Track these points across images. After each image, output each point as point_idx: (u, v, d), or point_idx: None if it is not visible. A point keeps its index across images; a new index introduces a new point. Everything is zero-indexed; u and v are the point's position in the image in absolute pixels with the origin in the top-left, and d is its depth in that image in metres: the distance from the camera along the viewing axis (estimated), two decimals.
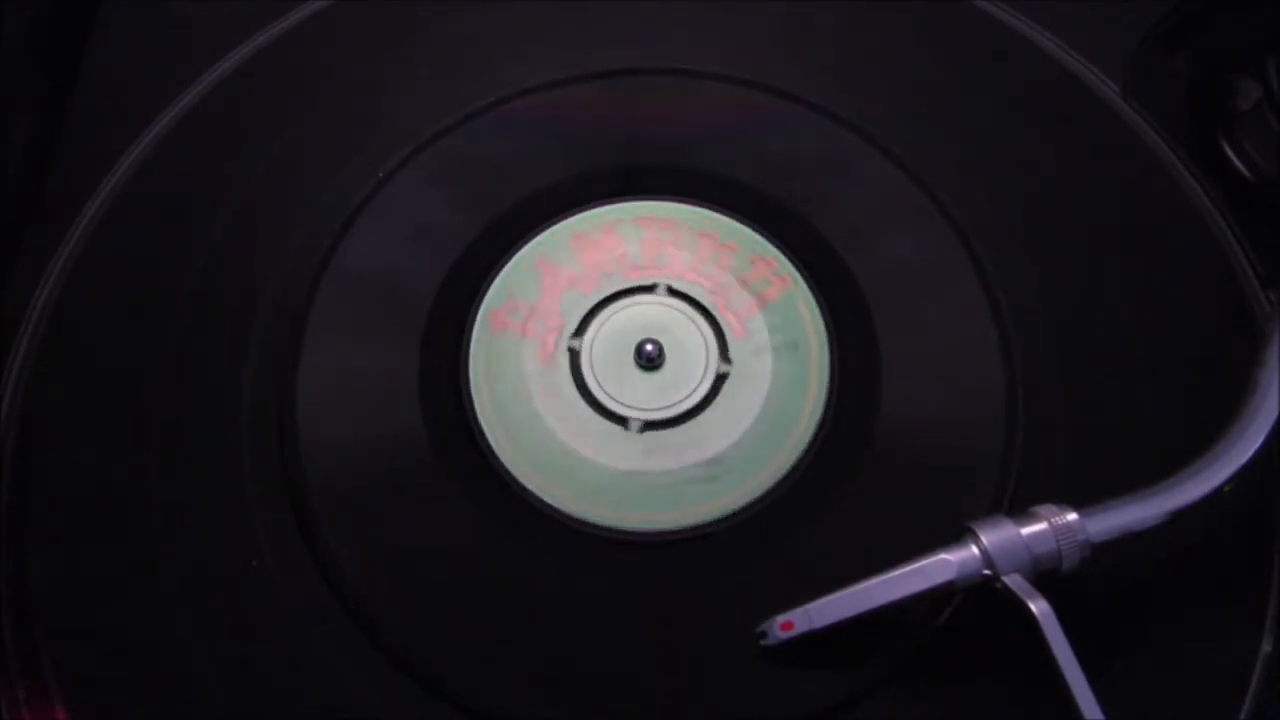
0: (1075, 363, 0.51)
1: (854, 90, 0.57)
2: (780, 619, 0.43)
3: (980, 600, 0.42)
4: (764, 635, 0.44)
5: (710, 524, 0.48)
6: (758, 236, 0.54)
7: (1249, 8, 0.58)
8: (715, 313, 0.52)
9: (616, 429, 0.50)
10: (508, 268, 0.53)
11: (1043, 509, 0.42)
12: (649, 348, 0.51)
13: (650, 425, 0.50)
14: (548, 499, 0.48)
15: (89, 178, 0.55)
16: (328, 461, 0.49)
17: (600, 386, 0.51)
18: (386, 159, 0.55)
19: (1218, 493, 0.42)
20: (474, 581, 0.47)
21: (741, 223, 0.54)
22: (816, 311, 0.52)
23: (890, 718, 0.45)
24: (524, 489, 0.48)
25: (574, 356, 0.51)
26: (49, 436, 0.50)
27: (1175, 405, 0.50)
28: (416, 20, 0.59)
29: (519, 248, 0.53)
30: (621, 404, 0.50)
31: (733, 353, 0.51)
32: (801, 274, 0.53)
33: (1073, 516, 0.42)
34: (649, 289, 0.53)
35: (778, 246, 0.53)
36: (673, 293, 0.53)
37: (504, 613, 0.46)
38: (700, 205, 0.54)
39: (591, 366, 0.51)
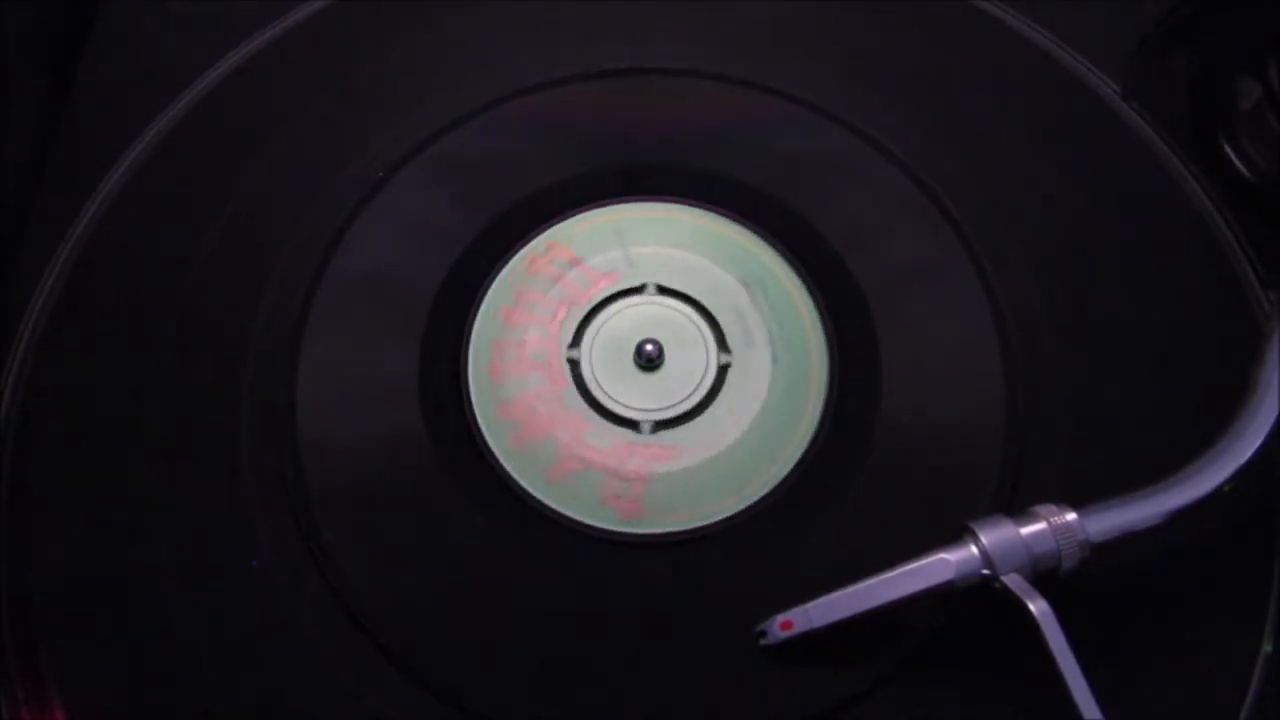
0: (1075, 363, 0.51)
1: (854, 90, 0.57)
2: (780, 618, 0.43)
3: (980, 600, 0.42)
4: (763, 635, 0.44)
5: (710, 524, 0.48)
6: (757, 237, 0.54)
7: (1249, 8, 0.58)
8: (709, 306, 0.52)
9: (628, 432, 0.50)
10: (507, 268, 0.53)
11: (1042, 509, 0.42)
12: (648, 348, 0.51)
13: (661, 425, 0.50)
14: (547, 499, 0.48)
15: (89, 178, 0.55)
16: (328, 461, 0.49)
17: (605, 393, 0.51)
18: (386, 159, 0.55)
19: (1218, 493, 0.42)
20: (474, 581, 0.47)
21: (742, 223, 0.54)
22: (816, 311, 0.52)
23: (890, 718, 0.45)
24: (524, 489, 0.48)
25: (574, 367, 0.51)
26: (49, 436, 0.49)
27: (1175, 405, 0.50)
28: (416, 20, 0.59)
29: (519, 248, 0.53)
30: (629, 407, 0.50)
31: (731, 347, 0.51)
32: (801, 274, 0.53)
33: (1072, 516, 0.42)
34: (638, 290, 0.53)
35: (777, 246, 0.53)
36: (662, 290, 0.53)
37: (504, 613, 0.46)
38: (700, 205, 0.54)
39: (593, 374, 0.51)
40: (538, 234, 0.54)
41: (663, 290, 0.53)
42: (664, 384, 0.51)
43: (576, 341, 0.52)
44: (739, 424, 0.50)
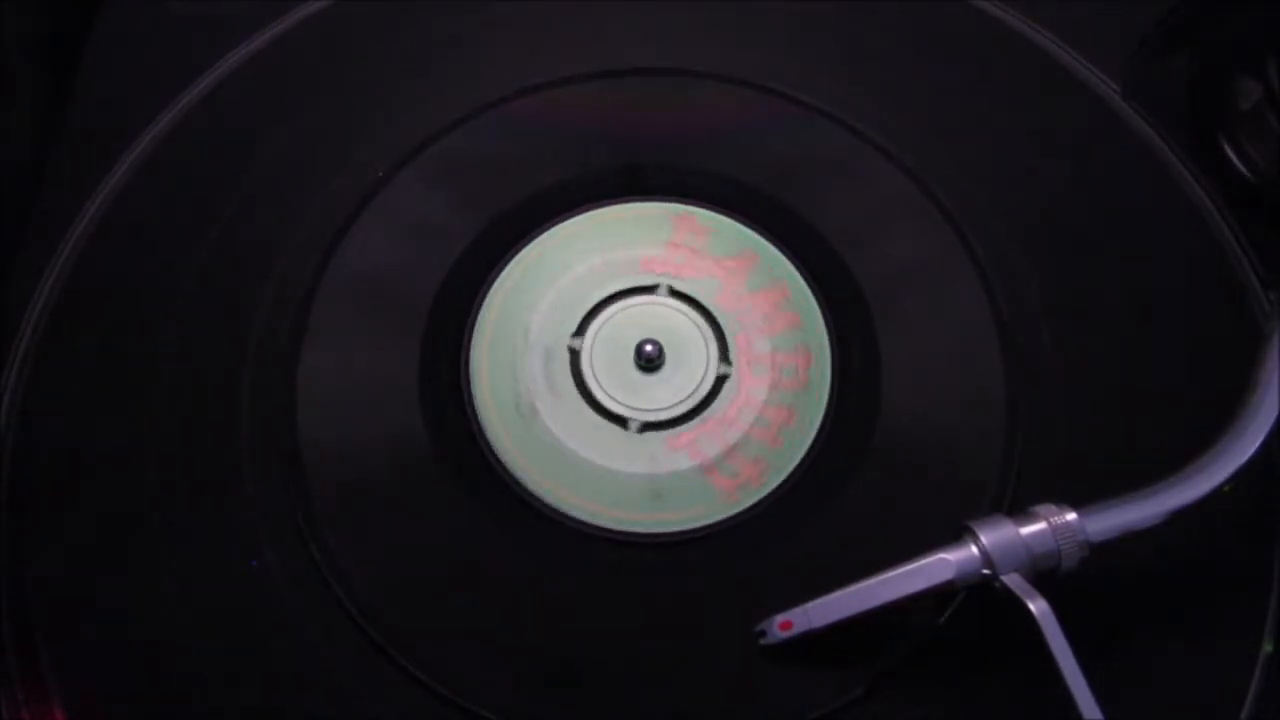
0: (1075, 363, 0.51)
1: (854, 90, 0.57)
2: (779, 618, 0.43)
3: (980, 600, 0.42)
4: (763, 634, 0.44)
5: (710, 524, 0.48)
6: (758, 237, 0.54)
7: (1249, 8, 0.58)
8: (716, 313, 0.52)
9: (615, 429, 0.50)
10: (509, 267, 0.53)
11: (1042, 509, 0.42)
12: (649, 348, 0.51)
13: (649, 426, 0.50)
14: (548, 499, 0.48)
15: (89, 178, 0.55)
16: (328, 461, 0.49)
17: (600, 386, 0.51)
18: (386, 159, 0.55)
19: (1217, 493, 0.42)
20: (474, 581, 0.47)
21: (741, 223, 0.54)
22: (816, 312, 0.52)
23: (890, 718, 0.45)
24: (524, 489, 0.48)
25: (574, 356, 0.51)
26: (49, 436, 0.49)
27: (1175, 405, 0.50)
28: (416, 20, 0.59)
29: (519, 248, 0.53)
30: (621, 404, 0.50)
31: (733, 360, 0.51)
32: (801, 274, 0.53)
33: (1072, 516, 0.42)
34: (650, 289, 0.53)
35: (778, 247, 0.53)
36: (674, 294, 0.53)
37: (504, 613, 0.46)
38: (700, 205, 0.54)
39: (591, 366, 0.51)
40: (538, 234, 0.54)
41: (674, 293, 0.53)
42: (661, 386, 0.51)
43: (580, 332, 0.52)
44: (728, 434, 0.50)
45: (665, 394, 0.51)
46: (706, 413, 0.50)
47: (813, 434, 0.49)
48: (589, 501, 0.48)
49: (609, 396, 0.51)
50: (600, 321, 0.52)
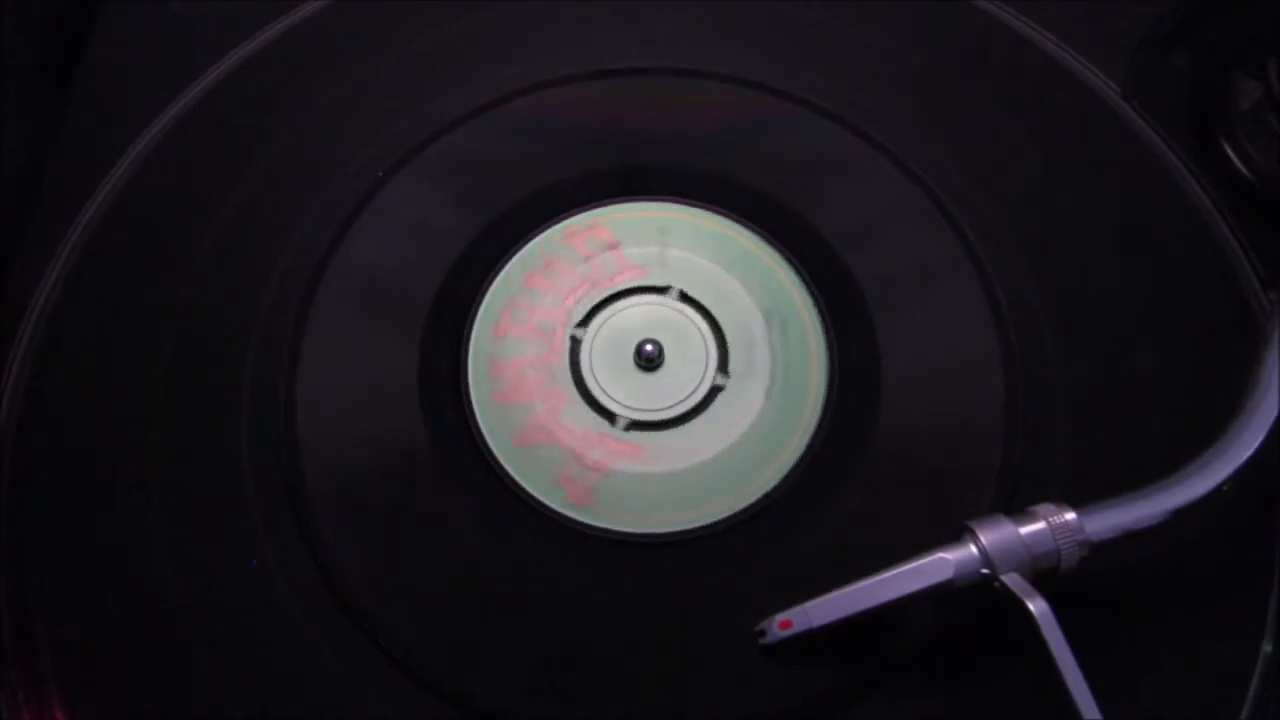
0: (1075, 363, 0.51)
1: (854, 90, 0.57)
2: (779, 618, 0.43)
3: (980, 600, 0.42)
4: (763, 634, 0.44)
5: (710, 524, 0.48)
6: (757, 237, 0.54)
7: (1249, 8, 0.58)
8: (723, 324, 0.52)
9: (603, 423, 0.50)
10: (509, 266, 0.53)
11: (1041, 508, 0.42)
12: (648, 348, 0.51)
13: (636, 425, 0.50)
14: (547, 499, 0.48)
15: (89, 178, 0.55)
16: (328, 461, 0.49)
17: (595, 379, 0.51)
18: (386, 159, 0.55)
19: (1217, 492, 0.42)
20: (474, 581, 0.47)
21: (742, 223, 0.54)
22: (816, 312, 0.52)
23: (889, 717, 0.45)
24: (524, 489, 0.48)
25: (575, 344, 0.51)
26: (48, 436, 0.50)
27: (1175, 405, 0.50)
28: (416, 20, 0.59)
29: (519, 248, 0.53)
30: (612, 399, 0.50)
31: (732, 367, 0.51)
32: (801, 274, 0.53)
33: (1071, 516, 0.42)
34: (661, 290, 0.53)
35: (777, 246, 0.53)
36: (684, 298, 0.53)
37: (504, 612, 0.46)
38: (700, 205, 0.54)
39: (590, 358, 0.51)
40: (538, 234, 0.54)
41: (684, 298, 0.53)
42: (657, 387, 0.51)
43: (585, 322, 0.52)
44: (721, 440, 0.50)
45: (659, 395, 0.51)
46: (694, 421, 0.50)
47: (813, 433, 0.49)
48: (589, 502, 0.48)
49: (602, 390, 0.51)
50: (605, 316, 0.52)
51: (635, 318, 0.52)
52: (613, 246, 0.54)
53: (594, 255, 0.53)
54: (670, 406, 0.50)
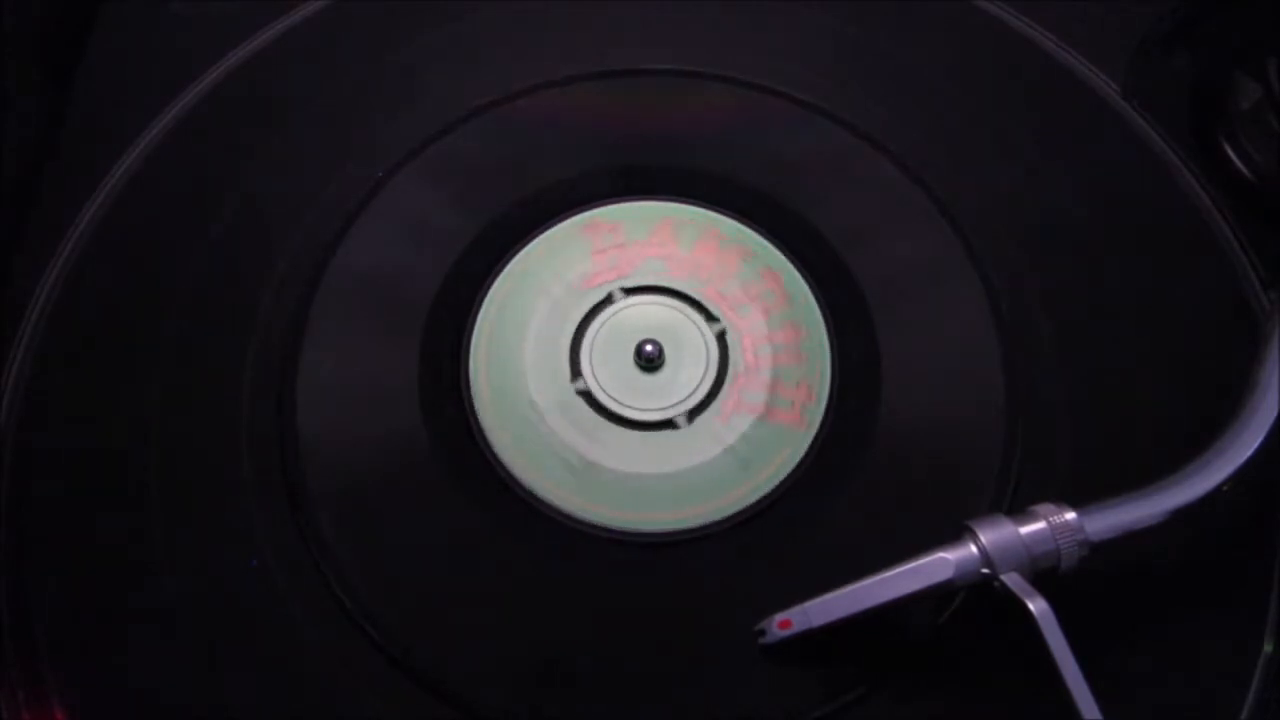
0: (1075, 362, 0.51)
1: (854, 90, 0.57)
2: (778, 617, 0.43)
3: (980, 600, 0.42)
4: (762, 634, 0.44)
5: (710, 524, 0.48)
6: (759, 238, 0.54)
7: (1249, 8, 0.58)
8: (711, 307, 0.52)
9: (604, 423, 0.50)
10: (507, 269, 0.53)
11: (1041, 508, 0.42)
12: (649, 348, 0.51)
13: (637, 425, 0.50)
14: (548, 499, 0.48)
15: (89, 178, 0.55)
16: (328, 461, 0.49)
17: (595, 379, 0.51)
18: (386, 159, 0.55)
19: (1217, 492, 0.42)
20: (474, 581, 0.47)
21: (742, 223, 0.54)
22: (816, 312, 0.52)
23: (889, 717, 0.45)
24: (524, 489, 0.48)
25: (588, 397, 0.51)
26: (48, 437, 0.50)
27: (1175, 405, 0.50)
28: (416, 20, 0.59)
29: (519, 248, 0.53)
30: (627, 406, 0.50)
31: (719, 315, 0.52)
32: (802, 274, 0.53)
33: (1071, 516, 0.42)
34: (608, 300, 0.53)
35: (778, 246, 0.53)
36: (629, 291, 0.53)
37: (504, 612, 0.46)
38: (700, 205, 0.54)
39: (590, 359, 0.51)
40: (538, 234, 0.54)
41: (667, 291, 0.53)
42: (662, 384, 0.51)
43: (577, 374, 0.51)
44: (728, 433, 0.50)
45: (668, 392, 0.51)
46: (731, 371, 0.51)
47: (813, 434, 0.49)
48: (589, 501, 0.48)
49: (613, 399, 0.50)
50: (596, 326, 0.52)
51: (635, 318, 0.52)
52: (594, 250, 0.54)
53: (600, 253, 0.53)
54: (671, 406, 0.50)
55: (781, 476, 0.49)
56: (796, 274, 0.53)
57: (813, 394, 0.50)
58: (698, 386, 0.51)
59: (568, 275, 0.53)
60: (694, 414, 0.50)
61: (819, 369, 0.51)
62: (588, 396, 0.51)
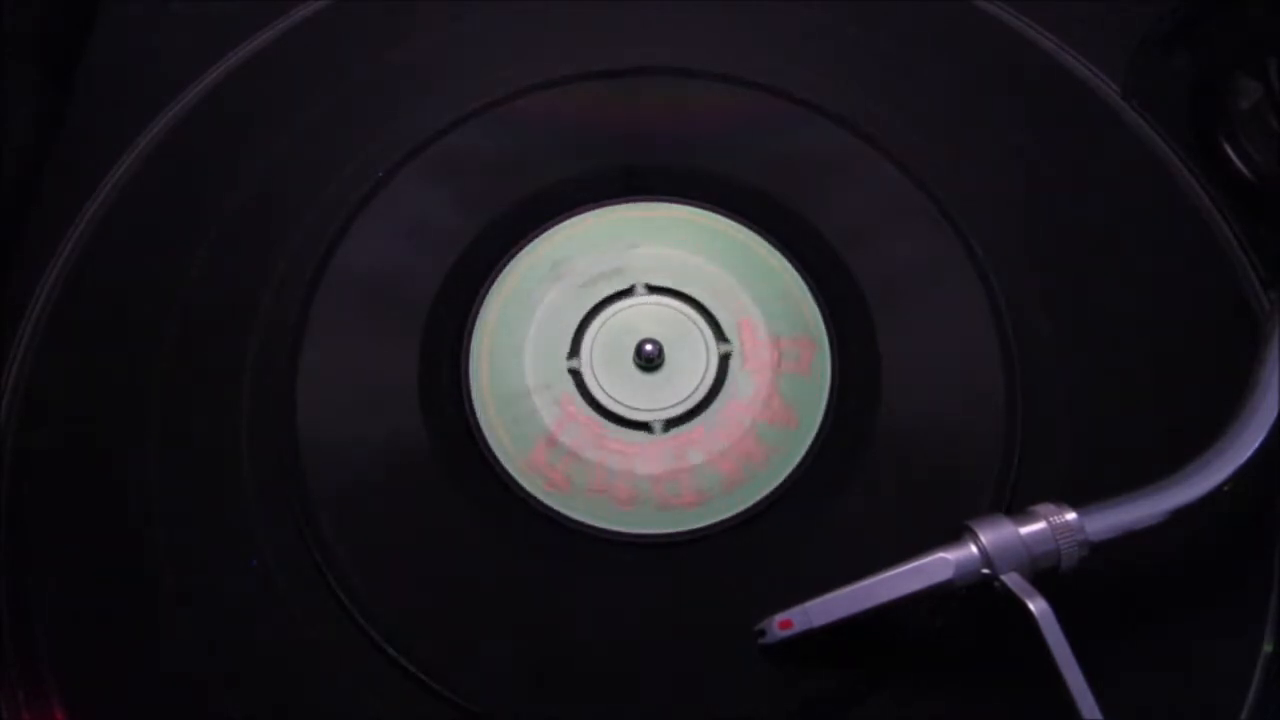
0: (1075, 362, 0.51)
1: (854, 90, 0.57)
2: (779, 618, 0.43)
3: (980, 600, 0.42)
4: (762, 634, 0.44)
5: (710, 524, 0.48)
6: (761, 239, 0.54)
7: (1249, 8, 0.58)
8: (704, 302, 0.52)
9: (604, 423, 0.50)
10: (506, 270, 0.53)
11: (1041, 508, 0.42)
12: (648, 348, 0.51)
13: (637, 425, 0.50)
14: (548, 499, 0.48)
15: (89, 178, 0.55)
16: (328, 461, 0.49)
17: (610, 396, 0.51)
18: (386, 159, 0.55)
19: (1218, 492, 0.42)
20: (474, 581, 0.47)
21: (742, 223, 0.54)
22: (816, 312, 0.52)
23: (889, 717, 0.45)
24: (524, 489, 0.48)
25: (577, 377, 0.51)
26: (49, 436, 0.50)
27: (1175, 405, 0.50)
28: (416, 20, 0.59)
29: (519, 248, 0.53)
30: (637, 409, 0.50)
31: (729, 336, 0.51)
32: (802, 275, 0.53)
33: (1071, 516, 0.42)
34: (627, 292, 0.53)
35: (778, 246, 0.53)
36: (658, 290, 0.53)
37: (504, 613, 0.46)
38: (701, 205, 0.54)
39: (597, 382, 0.51)
40: (538, 234, 0.54)
41: (652, 289, 0.53)
42: (666, 382, 0.51)
43: (575, 351, 0.52)
44: (733, 429, 0.50)
45: (674, 390, 0.51)
46: (723, 393, 0.51)
47: (813, 434, 0.49)
48: (589, 501, 0.48)
49: (618, 403, 0.50)
50: (593, 332, 0.52)
51: (633, 319, 0.52)
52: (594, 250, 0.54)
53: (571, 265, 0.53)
54: (691, 395, 0.50)
55: (782, 476, 0.48)
56: (793, 270, 0.53)
57: (795, 419, 0.50)
58: (699, 384, 0.51)
59: (568, 275, 0.53)
60: (670, 425, 0.50)
61: (819, 370, 0.51)
62: (600, 409, 0.50)
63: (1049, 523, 0.41)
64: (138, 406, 0.50)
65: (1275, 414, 0.43)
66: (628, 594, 0.47)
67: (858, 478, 0.48)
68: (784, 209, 0.54)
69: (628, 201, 0.55)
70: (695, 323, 0.52)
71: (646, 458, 0.49)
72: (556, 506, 0.48)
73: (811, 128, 0.56)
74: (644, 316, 0.52)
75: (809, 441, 0.49)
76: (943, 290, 0.52)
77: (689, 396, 0.51)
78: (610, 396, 0.51)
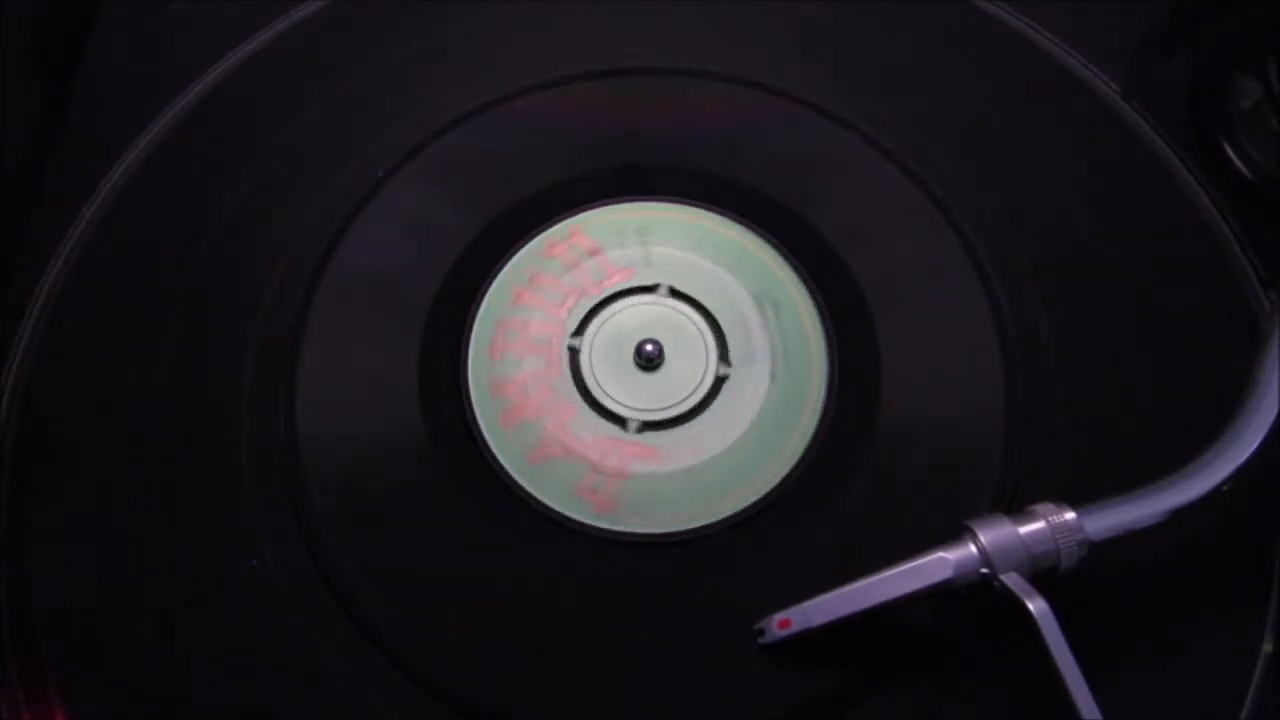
0: (1075, 362, 0.51)
1: (854, 90, 0.57)
2: (778, 617, 0.43)
3: (979, 600, 0.42)
4: (762, 633, 0.44)
5: (710, 524, 0.48)
6: (773, 250, 0.54)
7: (1249, 8, 0.58)
8: (717, 315, 0.52)
9: (614, 428, 0.50)
10: (526, 249, 0.53)
11: (1041, 508, 0.42)
12: (648, 348, 0.51)
13: (648, 426, 0.50)
14: (547, 499, 0.48)
15: (89, 178, 0.55)
16: (328, 461, 0.49)
17: (599, 385, 0.51)
18: (386, 159, 0.55)
19: (1217, 492, 0.42)
20: (474, 581, 0.47)
21: (742, 223, 0.54)
22: (816, 312, 0.52)
23: (889, 717, 0.45)
24: (524, 489, 0.48)
25: (574, 355, 0.51)
26: (48, 437, 0.50)
27: (1175, 405, 0.50)
28: (416, 20, 0.59)
29: (519, 248, 0.53)
30: (619, 403, 0.50)
31: (732, 355, 0.51)
32: (802, 274, 0.53)
33: (1071, 515, 0.42)
34: (650, 289, 0.53)
35: (777, 246, 0.53)
36: (674, 294, 0.53)
37: (504, 612, 0.46)
38: (700, 205, 0.54)
39: (591, 365, 0.51)
40: (538, 233, 0.54)
41: (675, 294, 0.53)
42: (661, 385, 0.51)
43: (581, 330, 0.52)
44: (728, 435, 0.50)
45: (664, 394, 0.51)
46: (705, 413, 0.50)
47: (812, 433, 0.49)
48: (588, 502, 0.48)
49: (607, 395, 0.51)
50: (600, 321, 0.52)
51: (629, 319, 0.52)
52: (594, 252, 0.54)
53: (579, 263, 0.53)
54: (678, 403, 0.50)
55: (781, 476, 0.48)
56: (792, 271, 0.53)
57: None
58: (697, 387, 0.51)
59: (584, 264, 0.53)
60: (691, 415, 0.50)
61: (819, 369, 0.51)
62: (586, 395, 0.50)
63: (1048, 522, 0.41)
64: (138, 406, 0.50)
65: (1275, 414, 0.43)
66: (628, 593, 0.47)
67: (858, 478, 0.48)
68: (784, 209, 0.54)
69: (627, 201, 0.55)
70: (703, 336, 0.52)
71: (603, 449, 0.50)
72: (557, 506, 0.48)
73: (811, 128, 0.56)
74: (656, 317, 0.52)
75: (809, 441, 0.49)
76: (943, 290, 0.52)
77: (673, 405, 0.50)
78: (597, 381, 0.51)
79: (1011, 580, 0.41)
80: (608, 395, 0.51)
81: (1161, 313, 0.52)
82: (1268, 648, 0.45)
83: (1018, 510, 0.43)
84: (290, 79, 0.58)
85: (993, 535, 0.41)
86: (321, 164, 0.55)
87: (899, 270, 0.53)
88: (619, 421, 0.50)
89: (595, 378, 0.51)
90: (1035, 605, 0.40)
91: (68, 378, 0.51)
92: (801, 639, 0.43)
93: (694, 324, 0.52)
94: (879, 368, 0.50)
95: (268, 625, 0.46)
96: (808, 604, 0.43)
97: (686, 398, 0.51)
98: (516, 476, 0.49)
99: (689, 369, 0.51)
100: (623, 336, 0.52)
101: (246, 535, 0.48)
